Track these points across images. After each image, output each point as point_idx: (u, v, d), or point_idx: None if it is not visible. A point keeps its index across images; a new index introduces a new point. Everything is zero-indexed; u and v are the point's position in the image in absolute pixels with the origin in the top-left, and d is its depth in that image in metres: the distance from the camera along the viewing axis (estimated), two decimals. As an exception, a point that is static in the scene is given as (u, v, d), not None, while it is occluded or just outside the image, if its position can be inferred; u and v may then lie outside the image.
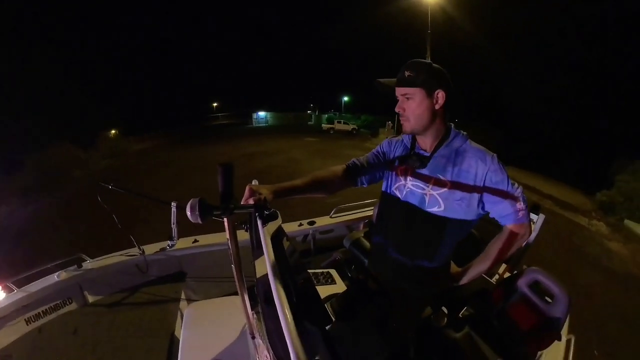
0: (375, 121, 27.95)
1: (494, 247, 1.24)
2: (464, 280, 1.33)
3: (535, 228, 2.24)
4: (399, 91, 1.14)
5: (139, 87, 37.22)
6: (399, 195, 1.27)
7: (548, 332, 1.77)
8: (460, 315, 2.13)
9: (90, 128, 20.30)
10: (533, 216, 2.27)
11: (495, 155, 1.12)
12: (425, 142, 1.21)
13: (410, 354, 2.10)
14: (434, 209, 1.16)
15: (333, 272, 1.53)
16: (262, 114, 38.14)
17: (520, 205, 1.11)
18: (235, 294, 1.14)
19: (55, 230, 7.25)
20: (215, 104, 41.38)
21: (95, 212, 6.95)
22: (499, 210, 1.12)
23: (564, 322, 1.83)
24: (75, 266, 1.97)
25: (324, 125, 28.87)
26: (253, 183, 0.96)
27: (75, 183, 12.58)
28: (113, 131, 23.72)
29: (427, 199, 1.18)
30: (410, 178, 1.23)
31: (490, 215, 1.17)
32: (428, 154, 1.20)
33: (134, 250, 2.12)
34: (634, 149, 14.38)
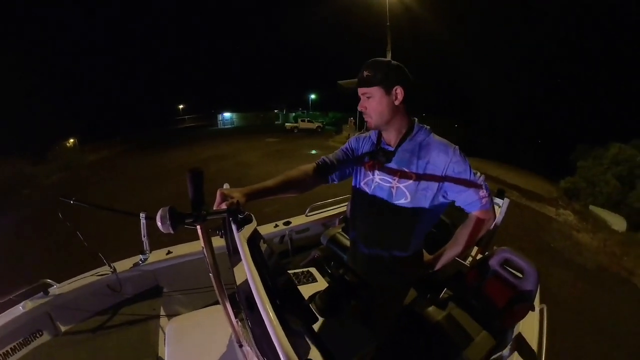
0: (343, 118, 27.82)
1: (462, 234, 1.30)
2: (437, 266, 1.39)
3: (502, 211, 2.40)
4: (360, 91, 1.19)
5: (99, 91, 34.55)
6: (368, 190, 1.32)
7: (522, 304, 1.89)
8: (440, 297, 2.22)
9: (42, 138, 18.51)
10: (499, 200, 2.42)
11: (457, 147, 1.19)
12: (390, 137, 1.27)
13: (397, 341, 2.18)
14: (401, 201, 1.22)
15: (313, 270, 1.52)
16: (227, 115, 36.87)
17: (483, 192, 1.18)
18: (217, 303, 1.11)
19: (12, 257, 6.67)
20: (181, 106, 39.21)
21: (53, 233, 6.47)
22: (463, 198, 1.20)
23: (535, 293, 1.97)
24: (42, 293, 1.77)
25: (288, 125, 28.12)
26: (224, 187, 0.94)
27: (25, 203, 11.42)
28: (72, 140, 21.94)
29: (394, 191, 1.23)
30: (378, 172, 1.28)
31: (456, 204, 1.23)
32: (393, 149, 1.25)
33: (105, 269, 1.97)
34: (593, 136, 15.25)
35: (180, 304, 2.19)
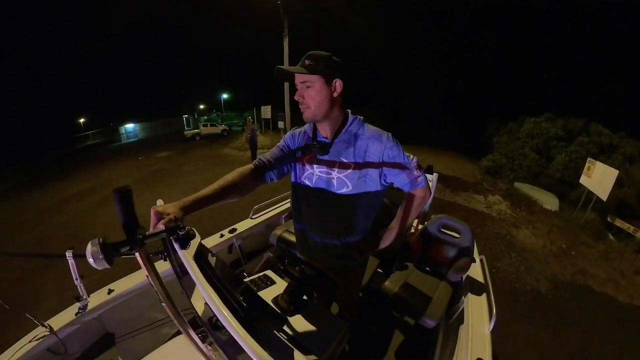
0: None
1: (403, 211, 1.38)
2: (384, 244, 1.45)
3: (433, 185, 2.74)
4: (299, 78, 1.18)
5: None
6: (309, 184, 1.35)
7: (465, 259, 2.13)
8: (393, 270, 2.39)
9: None
10: (429, 176, 2.70)
11: (389, 133, 1.26)
12: (326, 130, 1.30)
13: (364, 320, 2.29)
14: (344, 190, 1.27)
15: (269, 272, 1.49)
16: (130, 126, 30.89)
17: (417, 172, 1.27)
18: (179, 334, 1.04)
19: None
20: (82, 120, 31.76)
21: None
22: (400, 180, 1.28)
23: (473, 247, 2.24)
24: None
25: (187, 132, 23.69)
26: (157, 204, 0.89)
27: None
28: None
29: (335, 182, 1.28)
30: (317, 165, 1.32)
31: (395, 185, 1.31)
32: (329, 141, 1.29)
33: (39, 331, 1.60)
34: (505, 114, 16.23)
35: (139, 346, 1.91)
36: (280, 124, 15.31)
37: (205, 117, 33.15)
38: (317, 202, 1.35)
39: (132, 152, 19.88)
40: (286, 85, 14.67)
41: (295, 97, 1.22)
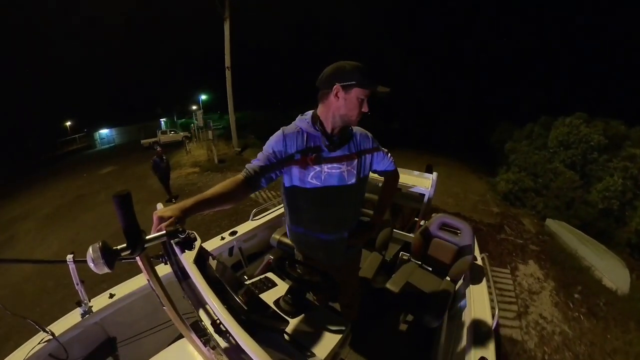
0: (242, 118, 22.09)
1: (387, 190, 1.75)
2: (380, 218, 1.74)
3: (432, 184, 2.73)
4: (369, 93, 1.31)
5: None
6: (318, 182, 1.38)
7: (467, 257, 2.14)
8: (395, 269, 2.39)
9: None
10: (428, 175, 2.78)
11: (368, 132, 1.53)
12: (337, 129, 1.38)
13: (367, 319, 2.29)
14: (352, 181, 1.42)
15: (270, 275, 1.49)
16: (104, 132, 29.30)
17: (391, 158, 1.61)
18: (181, 337, 1.04)
19: None
20: (68, 123, 30.28)
21: None
22: (383, 165, 1.59)
23: (474, 246, 2.25)
24: None
25: (145, 141, 21.33)
26: (158, 208, 0.88)
27: None
28: None
29: (345, 175, 1.40)
30: (325, 163, 1.37)
31: (378, 169, 1.61)
32: (337, 139, 1.39)
33: (41, 337, 1.59)
34: (516, 110, 13.56)
35: (142, 350, 1.90)
36: (210, 134, 13.11)
37: (183, 120, 31.47)
38: (328, 199, 1.41)
39: (92, 163, 18.24)
40: (229, 85, 13.51)
41: (367, 110, 1.32)
